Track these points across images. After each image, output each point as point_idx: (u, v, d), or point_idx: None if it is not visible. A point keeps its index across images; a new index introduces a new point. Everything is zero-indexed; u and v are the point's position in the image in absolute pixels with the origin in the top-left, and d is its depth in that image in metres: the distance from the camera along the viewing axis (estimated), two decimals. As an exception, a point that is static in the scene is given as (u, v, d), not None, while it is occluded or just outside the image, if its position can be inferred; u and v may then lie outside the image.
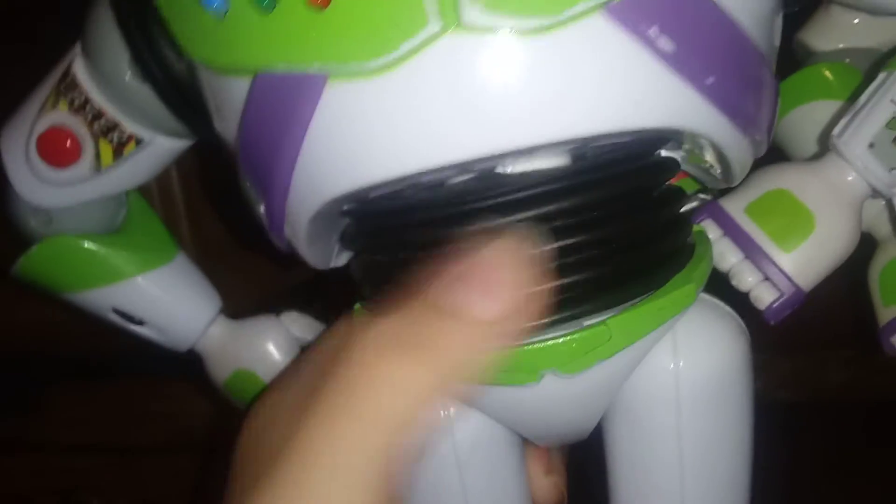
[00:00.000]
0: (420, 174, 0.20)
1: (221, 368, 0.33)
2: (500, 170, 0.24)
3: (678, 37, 0.20)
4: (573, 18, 0.19)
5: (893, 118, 0.26)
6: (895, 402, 0.45)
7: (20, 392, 0.57)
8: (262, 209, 0.24)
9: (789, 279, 0.27)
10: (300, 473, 0.18)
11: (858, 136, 0.27)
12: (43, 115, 0.28)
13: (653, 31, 0.19)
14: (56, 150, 0.28)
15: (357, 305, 0.28)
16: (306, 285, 0.32)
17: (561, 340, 0.23)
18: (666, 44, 0.19)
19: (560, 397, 0.24)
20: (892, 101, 0.26)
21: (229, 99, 0.22)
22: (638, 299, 0.24)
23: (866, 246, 0.28)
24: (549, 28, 0.19)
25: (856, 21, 0.32)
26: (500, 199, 0.23)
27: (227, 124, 0.23)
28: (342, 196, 0.22)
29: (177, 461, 0.49)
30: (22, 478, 0.58)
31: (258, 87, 0.21)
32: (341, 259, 0.28)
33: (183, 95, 0.26)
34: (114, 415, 0.56)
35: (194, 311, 0.33)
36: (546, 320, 0.23)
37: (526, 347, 0.23)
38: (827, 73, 0.31)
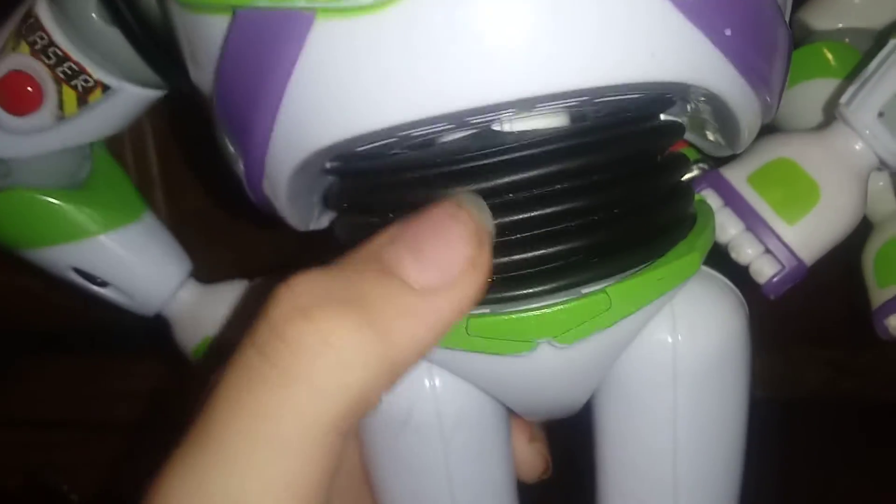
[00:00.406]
0: (413, 124, 0.19)
1: (190, 335, 0.31)
2: (496, 128, 0.22)
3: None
4: (588, -42, 0.17)
5: (902, 86, 0.25)
6: (875, 402, 0.45)
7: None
8: (240, 164, 0.23)
9: (791, 252, 0.26)
10: (217, 444, 0.16)
11: (867, 105, 0.26)
12: (2, 58, 0.26)
13: (672, -23, 0.18)
14: (16, 95, 0.26)
15: None
16: (289, 260, 0.31)
17: (558, 309, 0.22)
18: (686, -8, 0.18)
19: (554, 369, 0.23)
20: (900, 68, 0.25)
21: (205, 40, 0.20)
22: (639, 267, 0.23)
23: (857, 232, 0.28)
24: (562, -33, 0.17)
25: (856, 1, 0.32)
26: (497, 159, 0.21)
27: (203, 70, 0.21)
28: (329, 147, 0.20)
29: (143, 440, 0.48)
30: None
31: (238, 25, 0.19)
32: (322, 221, 0.27)
33: (154, 40, 0.24)
34: (81, 391, 0.54)
35: (161, 273, 0.31)
36: (543, 288, 0.22)
37: (520, 315, 0.22)
38: (826, 52, 0.31)
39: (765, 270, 0.26)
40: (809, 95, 0.30)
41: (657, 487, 0.26)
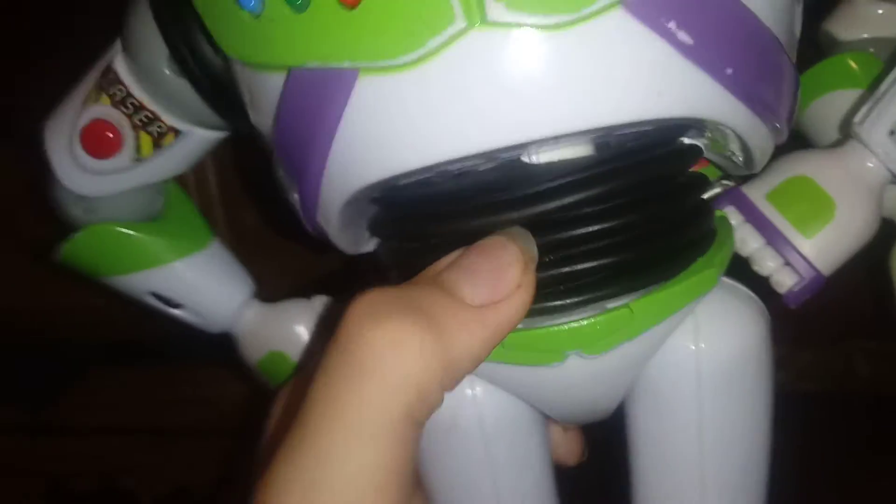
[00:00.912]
0: (448, 163, 0.21)
1: (254, 350, 0.34)
2: (525, 159, 0.24)
3: (697, 30, 0.20)
4: (593, 14, 0.19)
5: (914, 106, 0.26)
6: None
7: (57, 377, 0.58)
8: (296, 197, 0.25)
9: (810, 264, 0.27)
10: (313, 438, 0.19)
11: (880, 123, 0.27)
12: (86, 108, 0.29)
13: (671, 25, 0.20)
14: (98, 141, 0.29)
15: None
16: (341, 273, 0.33)
17: (585, 322, 0.24)
18: (685, 37, 0.20)
19: (584, 377, 0.25)
20: (912, 89, 0.27)
21: (264, 93, 0.23)
22: (661, 283, 0.24)
23: (888, 233, 0.29)
24: (570, 24, 0.19)
25: (880, 11, 0.32)
26: (528, 191, 0.24)
27: (263, 117, 0.24)
28: (373, 184, 0.23)
29: (212, 445, 0.51)
30: (59, 461, 0.59)
31: (292, 82, 0.22)
32: (371, 244, 0.29)
33: (219, 89, 0.27)
34: (148, 399, 0.57)
35: (229, 294, 0.34)
36: (571, 301, 0.24)
37: (551, 328, 0.24)
38: (851, 63, 0.31)
39: (785, 281, 0.28)
40: (836, 106, 0.31)
41: (686, 485, 0.27)
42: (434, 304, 0.20)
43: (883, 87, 0.27)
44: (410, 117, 0.21)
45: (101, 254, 0.32)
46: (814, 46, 0.34)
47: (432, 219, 0.25)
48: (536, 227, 0.23)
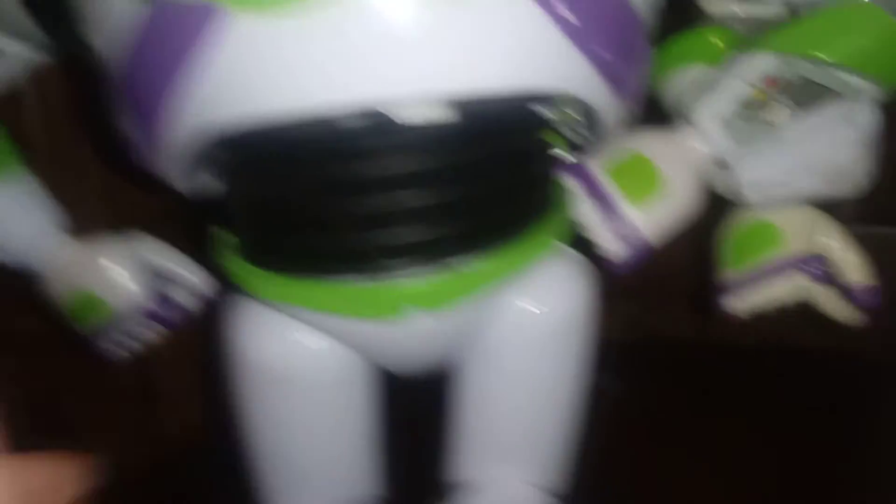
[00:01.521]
0: (311, 112, 0.20)
1: (62, 288, 0.31)
2: (389, 115, 0.24)
3: (584, 14, 0.20)
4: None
5: (745, 98, 0.29)
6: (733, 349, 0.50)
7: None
8: (136, 132, 0.23)
9: (640, 235, 0.29)
10: None
11: (713, 112, 0.29)
12: None
13: (560, 6, 0.20)
14: None
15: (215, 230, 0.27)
16: (172, 208, 0.31)
17: (425, 281, 0.24)
18: (571, 18, 0.20)
19: (424, 333, 0.26)
20: (744, 81, 0.29)
21: (118, 19, 0.21)
22: (500, 245, 0.25)
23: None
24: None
25: None
26: (388, 145, 0.23)
27: (111, 43, 0.21)
28: (231, 127, 0.21)
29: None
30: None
31: (157, 11, 0.20)
32: (205, 181, 0.27)
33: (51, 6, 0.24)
34: None
35: (33, 225, 0.30)
36: (412, 260, 0.24)
37: (388, 285, 0.24)
38: (712, 38, 0.32)
39: (617, 250, 0.30)
40: (691, 78, 0.31)
41: (507, 434, 0.29)
42: None
43: (716, 78, 0.29)
44: (287, 64, 0.19)
45: None
46: (681, 13, 0.32)
47: (287, 164, 0.24)
48: (385, 183, 0.23)
